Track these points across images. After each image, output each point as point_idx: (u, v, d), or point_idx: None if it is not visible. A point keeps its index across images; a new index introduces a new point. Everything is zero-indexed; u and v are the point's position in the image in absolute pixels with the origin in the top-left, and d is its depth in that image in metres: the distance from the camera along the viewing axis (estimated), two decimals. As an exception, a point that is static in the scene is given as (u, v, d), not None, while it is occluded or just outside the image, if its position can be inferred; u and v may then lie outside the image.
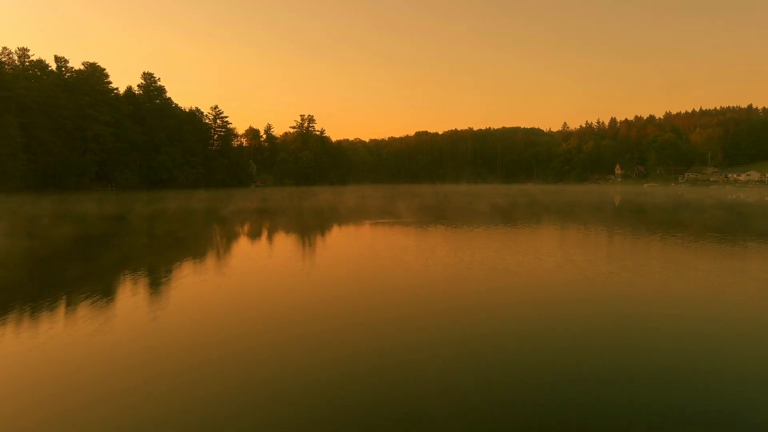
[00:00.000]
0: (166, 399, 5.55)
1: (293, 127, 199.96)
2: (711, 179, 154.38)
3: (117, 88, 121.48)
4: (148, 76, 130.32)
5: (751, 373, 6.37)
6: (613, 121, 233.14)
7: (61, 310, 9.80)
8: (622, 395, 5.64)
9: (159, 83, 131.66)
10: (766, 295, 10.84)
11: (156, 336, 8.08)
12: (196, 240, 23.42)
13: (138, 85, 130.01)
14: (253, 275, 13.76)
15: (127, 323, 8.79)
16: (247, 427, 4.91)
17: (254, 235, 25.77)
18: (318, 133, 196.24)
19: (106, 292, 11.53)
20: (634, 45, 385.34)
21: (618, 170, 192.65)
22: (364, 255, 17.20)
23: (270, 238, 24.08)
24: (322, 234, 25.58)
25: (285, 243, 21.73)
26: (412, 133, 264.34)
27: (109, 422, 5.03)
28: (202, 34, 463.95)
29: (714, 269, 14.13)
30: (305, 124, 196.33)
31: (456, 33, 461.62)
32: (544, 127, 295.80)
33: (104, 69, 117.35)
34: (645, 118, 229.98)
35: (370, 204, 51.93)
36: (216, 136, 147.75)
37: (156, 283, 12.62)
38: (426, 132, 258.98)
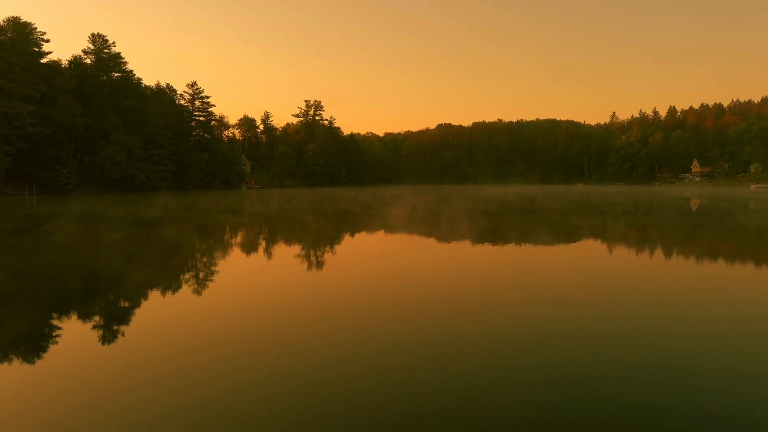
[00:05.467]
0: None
1: (296, 116, 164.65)
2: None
3: (51, 52, 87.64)
4: (97, 39, 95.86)
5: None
6: (672, 110, 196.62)
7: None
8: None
9: (114, 49, 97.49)
10: None
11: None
12: None
13: (84, 51, 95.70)
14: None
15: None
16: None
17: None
18: (326, 123, 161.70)
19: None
20: (661, 40, 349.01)
21: (695, 167, 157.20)
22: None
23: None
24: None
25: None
26: (432, 125, 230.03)
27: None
28: (196, 24, 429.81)
29: None
30: (311, 112, 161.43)
31: (468, 25, 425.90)
32: (580, 120, 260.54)
33: (44, 33, 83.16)
34: (711, 105, 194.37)
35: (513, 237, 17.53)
36: (194, 122, 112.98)
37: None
38: (450, 124, 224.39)
